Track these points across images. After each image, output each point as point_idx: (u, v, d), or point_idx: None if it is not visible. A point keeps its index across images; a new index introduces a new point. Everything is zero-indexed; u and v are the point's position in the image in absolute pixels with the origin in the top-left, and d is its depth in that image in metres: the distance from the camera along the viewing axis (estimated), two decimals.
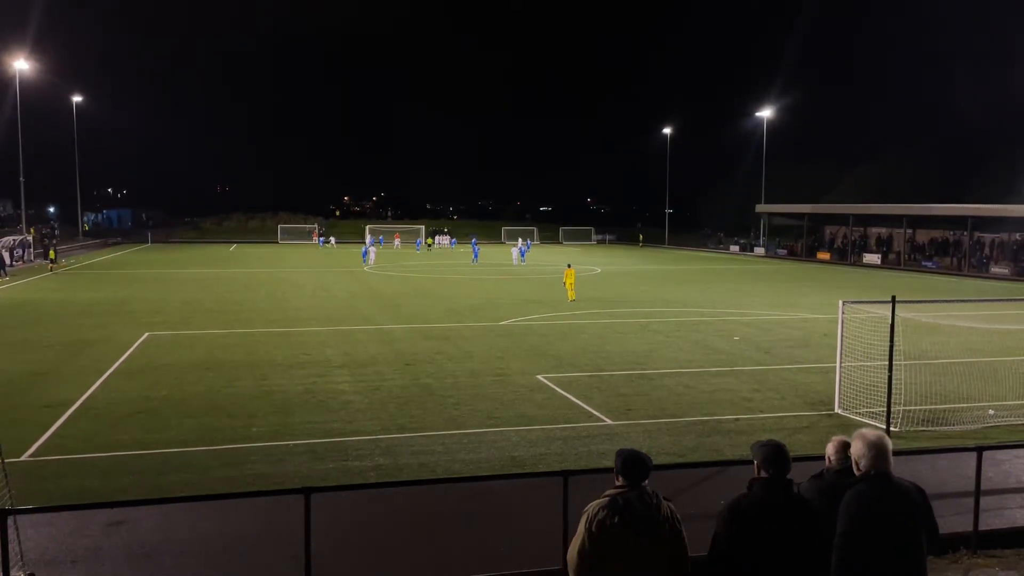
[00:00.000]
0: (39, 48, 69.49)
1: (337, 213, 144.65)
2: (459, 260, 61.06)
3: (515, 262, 56.93)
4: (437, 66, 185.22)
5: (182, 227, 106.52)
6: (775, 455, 4.74)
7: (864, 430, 5.05)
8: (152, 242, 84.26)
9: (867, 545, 4.75)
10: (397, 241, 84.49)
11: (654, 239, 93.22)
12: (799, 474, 5.29)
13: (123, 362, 19.13)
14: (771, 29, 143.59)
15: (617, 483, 4.64)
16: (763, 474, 4.73)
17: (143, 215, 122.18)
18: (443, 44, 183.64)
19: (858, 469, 4.91)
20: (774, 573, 4.61)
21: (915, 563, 4.87)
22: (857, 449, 4.91)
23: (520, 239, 75.88)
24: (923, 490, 4.97)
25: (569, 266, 34.66)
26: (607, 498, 4.56)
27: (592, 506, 4.57)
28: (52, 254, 48.53)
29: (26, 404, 15.08)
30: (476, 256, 58.29)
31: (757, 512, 4.63)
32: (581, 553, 4.53)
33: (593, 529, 4.47)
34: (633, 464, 4.61)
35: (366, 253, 58.91)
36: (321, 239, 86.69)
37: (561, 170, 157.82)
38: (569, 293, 32.73)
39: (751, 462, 4.92)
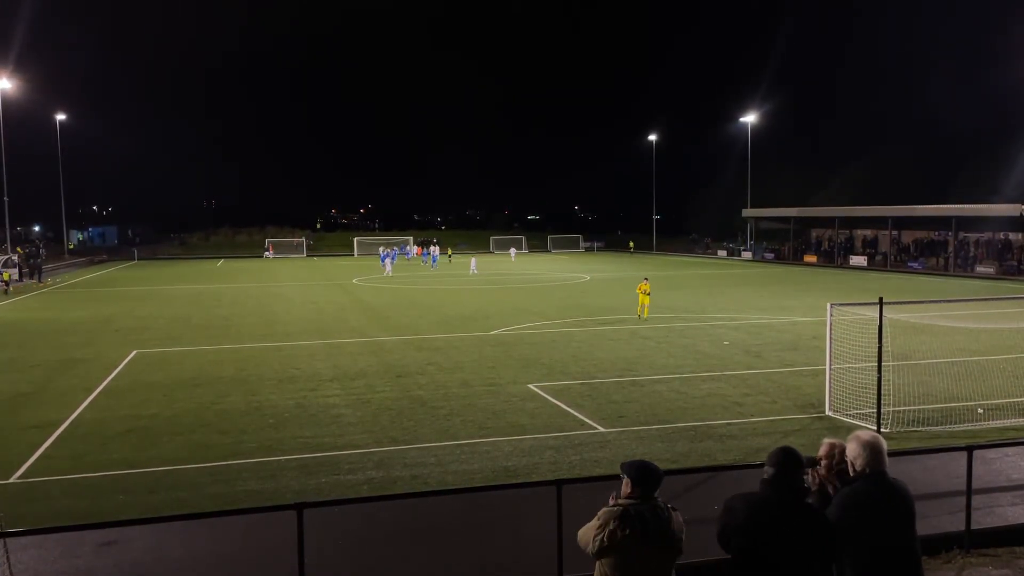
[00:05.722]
0: (22, 66, 69.10)
1: (318, 225, 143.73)
2: (435, 272, 61.00)
3: (472, 270, 56.72)
4: (424, 77, 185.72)
5: (169, 243, 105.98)
6: (779, 454, 4.83)
7: (858, 432, 5.09)
8: (139, 259, 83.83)
9: (863, 543, 4.77)
10: (412, 250, 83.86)
11: (642, 245, 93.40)
12: None
13: (111, 380, 18.99)
14: (754, 34, 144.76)
15: (628, 492, 4.69)
16: (768, 475, 4.79)
17: (129, 232, 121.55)
18: (430, 55, 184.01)
19: (853, 470, 4.94)
20: (784, 571, 4.65)
21: (911, 561, 4.89)
22: (852, 450, 4.95)
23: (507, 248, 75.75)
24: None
25: (646, 279, 30.32)
26: (619, 508, 4.63)
27: (604, 514, 4.65)
28: (6, 276, 44.43)
29: (13, 425, 14.95)
30: (474, 267, 57.85)
31: (752, 508, 4.70)
32: (592, 550, 4.68)
33: (604, 540, 4.57)
34: (647, 475, 4.69)
35: (394, 257, 59.84)
36: (267, 253, 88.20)
37: (548, 178, 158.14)
38: (643, 310, 29.03)
39: (743, 467, 4.97)
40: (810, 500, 5.00)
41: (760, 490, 4.77)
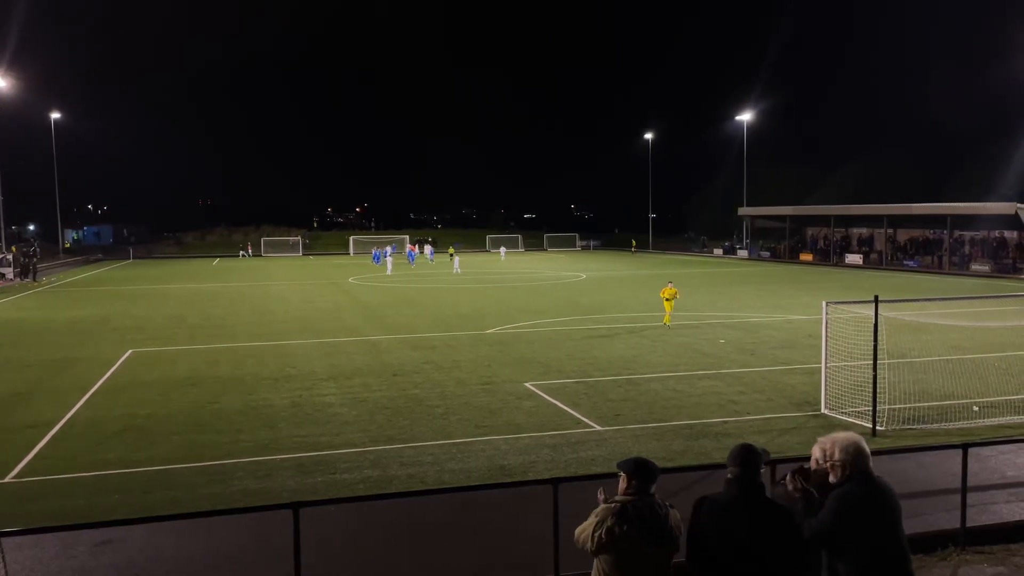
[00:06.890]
0: (16, 65, 68.84)
1: (315, 224, 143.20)
2: (433, 271, 60.99)
3: (456, 269, 57.10)
4: (421, 77, 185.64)
5: (164, 242, 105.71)
6: (741, 452, 4.90)
7: (840, 433, 5.07)
8: (134, 258, 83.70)
9: (857, 545, 4.77)
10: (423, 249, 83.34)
11: (639, 244, 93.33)
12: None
13: (106, 380, 18.95)
14: (751, 34, 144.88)
15: (625, 488, 4.72)
16: (733, 474, 4.84)
17: (124, 231, 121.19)
18: (426, 55, 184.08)
19: (839, 472, 4.92)
20: (742, 571, 4.65)
21: (903, 560, 4.89)
22: (836, 453, 4.93)
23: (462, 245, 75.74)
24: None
25: (671, 283, 27.24)
26: (617, 505, 4.64)
27: (602, 511, 4.66)
28: None
29: (8, 425, 14.91)
30: (457, 267, 58.25)
31: (722, 509, 4.73)
32: (591, 548, 4.69)
33: (602, 536, 4.59)
34: (643, 468, 4.76)
35: (378, 258, 59.83)
36: (242, 252, 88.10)
37: (545, 178, 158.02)
38: (667, 317, 26.39)
39: None
40: (797, 504, 5.00)
41: (726, 490, 4.80)
